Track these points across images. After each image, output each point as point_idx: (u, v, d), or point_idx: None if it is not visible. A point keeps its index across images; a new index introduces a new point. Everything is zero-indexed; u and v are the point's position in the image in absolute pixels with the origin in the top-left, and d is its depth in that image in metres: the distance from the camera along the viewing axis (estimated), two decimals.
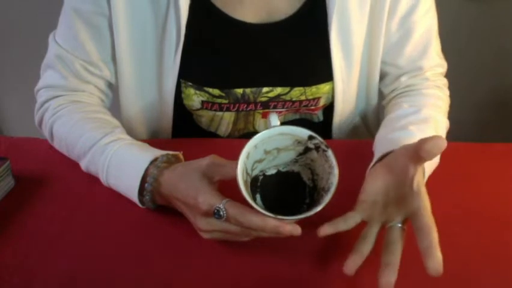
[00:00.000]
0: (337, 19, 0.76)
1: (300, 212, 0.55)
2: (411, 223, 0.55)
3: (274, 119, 0.59)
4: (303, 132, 0.58)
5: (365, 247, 0.57)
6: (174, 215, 0.63)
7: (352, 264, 0.55)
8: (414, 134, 0.68)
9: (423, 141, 0.53)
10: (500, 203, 0.68)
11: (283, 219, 0.53)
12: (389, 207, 0.59)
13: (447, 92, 0.85)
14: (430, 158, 0.54)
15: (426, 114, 0.74)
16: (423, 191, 0.56)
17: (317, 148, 0.58)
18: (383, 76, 0.86)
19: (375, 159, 0.67)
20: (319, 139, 0.57)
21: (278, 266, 0.59)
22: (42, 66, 0.83)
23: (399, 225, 0.57)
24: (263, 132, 0.57)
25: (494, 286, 0.57)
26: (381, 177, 0.61)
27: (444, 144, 0.53)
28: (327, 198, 0.54)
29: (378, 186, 0.60)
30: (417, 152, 0.54)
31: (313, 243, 0.61)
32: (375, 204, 0.60)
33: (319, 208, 0.54)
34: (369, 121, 0.93)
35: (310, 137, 0.58)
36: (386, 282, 0.52)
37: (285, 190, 0.62)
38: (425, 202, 0.55)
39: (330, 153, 0.56)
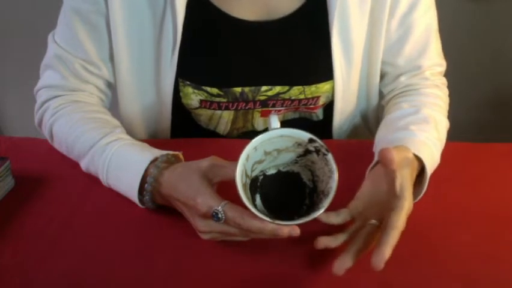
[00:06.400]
0: (338, 17, 0.76)
1: (298, 214, 0.55)
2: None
3: (275, 121, 0.59)
4: (304, 135, 0.57)
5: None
6: (174, 215, 0.63)
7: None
8: (416, 134, 0.68)
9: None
10: (500, 203, 0.68)
11: (280, 224, 0.53)
12: (373, 208, 0.59)
13: (446, 91, 0.84)
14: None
15: (426, 114, 0.74)
16: (407, 195, 0.55)
17: (317, 151, 0.58)
18: (382, 76, 0.86)
19: (375, 160, 0.67)
20: (319, 142, 0.57)
21: (278, 266, 0.59)
22: (41, 66, 0.83)
23: (374, 222, 0.57)
24: (263, 134, 0.57)
25: (494, 286, 0.57)
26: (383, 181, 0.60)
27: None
28: (326, 203, 0.54)
29: (380, 189, 0.60)
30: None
31: (313, 244, 0.61)
32: (366, 205, 0.60)
33: (318, 213, 0.53)
34: (370, 121, 0.93)
35: (311, 140, 0.57)
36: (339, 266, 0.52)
37: (285, 190, 0.61)
38: (403, 204, 0.54)
39: (330, 157, 0.56)
